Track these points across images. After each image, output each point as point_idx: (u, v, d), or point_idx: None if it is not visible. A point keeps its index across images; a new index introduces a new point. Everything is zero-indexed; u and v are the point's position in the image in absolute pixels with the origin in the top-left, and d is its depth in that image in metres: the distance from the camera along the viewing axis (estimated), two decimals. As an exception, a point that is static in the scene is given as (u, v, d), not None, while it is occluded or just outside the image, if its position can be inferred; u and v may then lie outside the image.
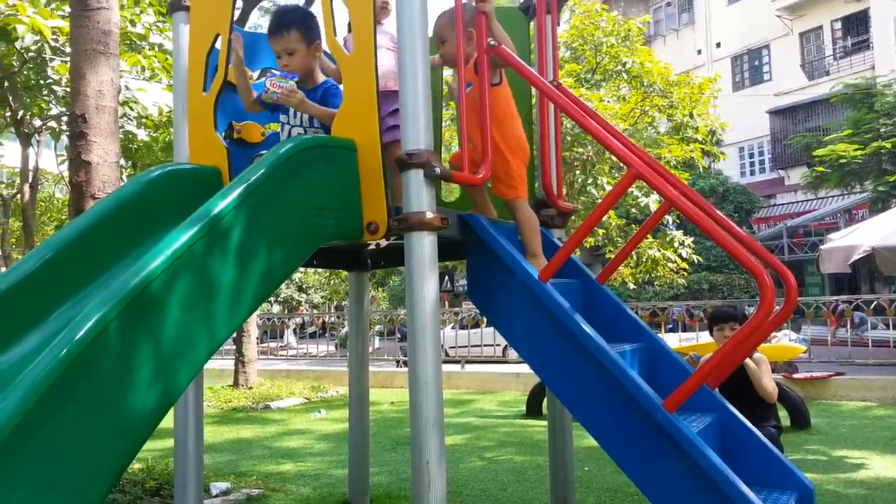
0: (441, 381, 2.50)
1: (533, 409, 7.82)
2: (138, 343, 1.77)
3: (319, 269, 22.64)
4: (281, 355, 16.88)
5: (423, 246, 2.51)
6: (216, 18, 2.99)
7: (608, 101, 11.36)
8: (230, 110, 3.23)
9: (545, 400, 5.72)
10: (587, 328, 2.50)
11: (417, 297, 2.49)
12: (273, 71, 2.82)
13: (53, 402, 1.55)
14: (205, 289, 1.98)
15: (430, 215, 2.51)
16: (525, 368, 10.63)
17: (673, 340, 9.86)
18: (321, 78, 2.95)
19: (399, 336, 15.33)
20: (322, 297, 28.07)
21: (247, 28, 8.73)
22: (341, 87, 2.78)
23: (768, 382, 3.63)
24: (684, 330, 11.31)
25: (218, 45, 2.97)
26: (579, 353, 2.52)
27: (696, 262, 13.00)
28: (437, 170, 2.56)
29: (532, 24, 3.61)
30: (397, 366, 13.28)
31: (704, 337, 8.45)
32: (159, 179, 2.72)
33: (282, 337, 18.67)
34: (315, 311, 26.55)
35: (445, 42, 3.02)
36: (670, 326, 12.77)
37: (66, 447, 1.60)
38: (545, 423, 3.64)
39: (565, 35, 12.48)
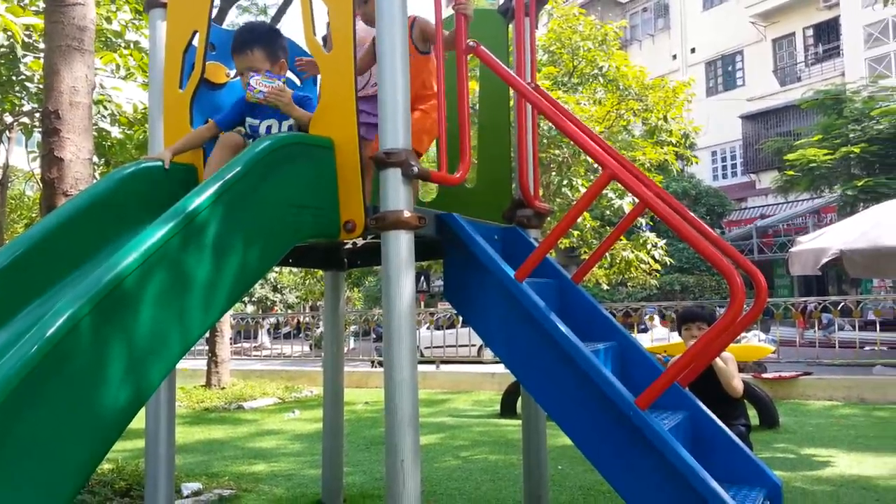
0: (416, 380, 2.51)
1: (507, 409, 7.87)
2: (110, 340, 1.75)
3: (294, 269, 22.52)
4: (255, 355, 16.76)
5: (400, 245, 2.52)
6: (194, 15, 2.97)
7: (584, 105, 11.47)
8: (206, 107, 3.20)
9: (519, 399, 5.76)
10: (562, 327, 2.53)
11: (394, 295, 2.49)
12: (255, 69, 2.76)
13: (24, 398, 1.53)
14: (179, 286, 1.97)
15: (407, 214, 2.52)
16: (499, 368, 10.68)
17: (645, 341, 9.96)
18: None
19: (374, 336, 15.30)
20: (297, 297, 27.91)
21: (224, 26, 8.66)
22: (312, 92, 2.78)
23: (738, 383, 3.69)
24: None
25: (195, 42, 2.95)
26: (554, 352, 2.54)
27: (668, 263, 13.16)
28: (415, 168, 2.57)
29: (511, 26, 3.63)
30: (372, 366, 13.26)
31: (676, 336, 8.56)
32: (133, 176, 2.69)
33: (256, 337, 18.54)
34: (290, 311, 26.37)
35: (367, 1, 2.91)
36: (643, 327, 12.90)
37: (37, 444, 1.58)
38: (519, 422, 3.67)
39: (543, 38, 12.56)
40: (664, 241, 12.78)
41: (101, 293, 1.72)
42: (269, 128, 2.80)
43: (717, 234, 3.12)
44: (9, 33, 5.95)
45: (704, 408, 2.75)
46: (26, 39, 6.60)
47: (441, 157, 2.91)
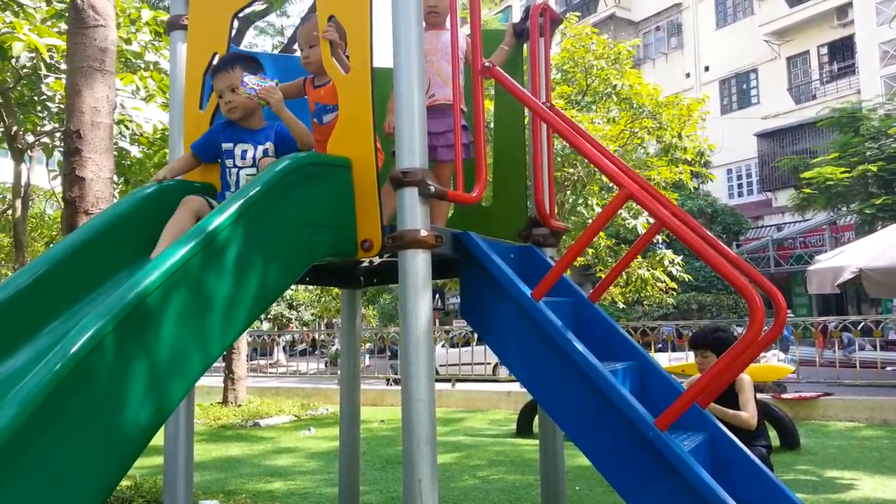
0: (434, 399, 2.50)
1: (524, 428, 7.81)
2: (133, 357, 1.77)
3: (310, 287, 22.58)
4: (270, 373, 16.79)
5: (418, 264, 2.53)
6: (213, 37, 3.02)
7: (598, 123, 11.47)
8: (225, 127, 3.25)
9: (536, 418, 5.71)
10: (579, 346, 2.52)
11: (411, 314, 2.50)
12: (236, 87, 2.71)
13: (47, 415, 1.55)
14: (200, 304, 1.99)
15: (424, 233, 2.53)
16: (515, 387, 10.63)
17: (663, 360, 9.88)
18: (264, 122, 2.84)
19: (389, 354, 15.29)
20: (312, 315, 27.96)
21: (242, 46, 8.79)
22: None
23: (750, 416, 3.63)
24: (674, 349, 11.35)
25: (215, 63, 3.00)
26: (571, 371, 2.53)
27: (686, 280, 13.07)
28: (432, 188, 2.58)
29: (525, 46, 3.66)
30: (388, 384, 13.24)
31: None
32: (154, 196, 2.72)
33: (271, 354, 18.57)
34: (305, 329, 26.42)
35: (313, 47, 2.93)
36: (660, 346, 12.81)
37: (59, 461, 1.59)
38: (536, 442, 3.65)
39: (556, 58, 12.62)
40: (681, 257, 12.70)
41: (124, 311, 1.74)
42: (244, 152, 2.74)
43: (735, 254, 3.11)
44: (32, 54, 6.07)
45: (724, 429, 2.72)
46: (48, 60, 6.73)
47: (458, 176, 2.93)
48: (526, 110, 3.48)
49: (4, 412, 1.48)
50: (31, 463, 1.52)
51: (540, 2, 3.43)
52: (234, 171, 2.75)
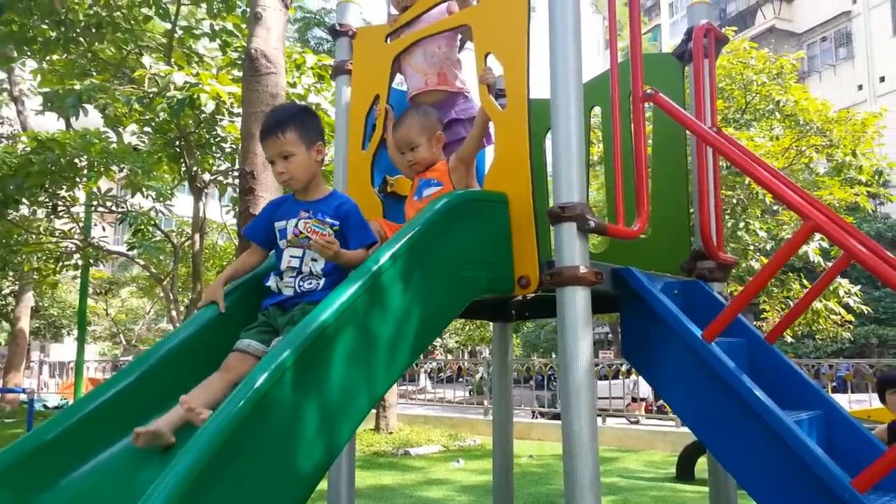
0: (597, 442, 2.39)
1: (684, 473, 7.32)
2: (309, 393, 1.82)
3: (456, 315, 22.81)
4: (418, 399, 17.12)
5: (577, 301, 2.44)
6: (376, 81, 3.15)
7: (760, 141, 10.75)
8: (384, 166, 3.35)
9: (698, 463, 5.34)
10: (757, 392, 2.31)
11: (571, 354, 2.41)
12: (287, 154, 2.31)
13: (233, 449, 1.61)
14: (366, 342, 2.03)
15: (583, 270, 2.44)
16: (673, 427, 10.06)
17: (842, 402, 8.97)
18: (326, 189, 2.45)
19: (534, 384, 15.06)
20: (456, 343, 28.31)
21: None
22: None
23: None
24: (852, 391, 10.28)
25: (376, 105, 3.12)
26: (748, 419, 2.33)
27: (864, 313, 11.83)
28: (592, 223, 2.50)
29: (687, 69, 3.49)
30: (533, 416, 13.03)
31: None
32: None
33: (417, 380, 18.96)
34: (449, 356, 26.76)
35: (415, 148, 2.85)
36: (834, 385, 11.65)
37: (240, 496, 1.65)
38: (698, 488, 3.40)
39: (711, 76, 12.02)
40: (858, 287, 11.53)
41: (304, 343, 1.80)
42: (296, 225, 2.36)
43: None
44: (214, 101, 6.66)
45: (937, 492, 2.38)
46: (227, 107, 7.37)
47: (618, 210, 2.82)
48: (688, 135, 3.30)
49: (196, 446, 1.55)
50: (217, 499, 1.58)
51: (704, 22, 3.26)
52: (282, 252, 2.34)
